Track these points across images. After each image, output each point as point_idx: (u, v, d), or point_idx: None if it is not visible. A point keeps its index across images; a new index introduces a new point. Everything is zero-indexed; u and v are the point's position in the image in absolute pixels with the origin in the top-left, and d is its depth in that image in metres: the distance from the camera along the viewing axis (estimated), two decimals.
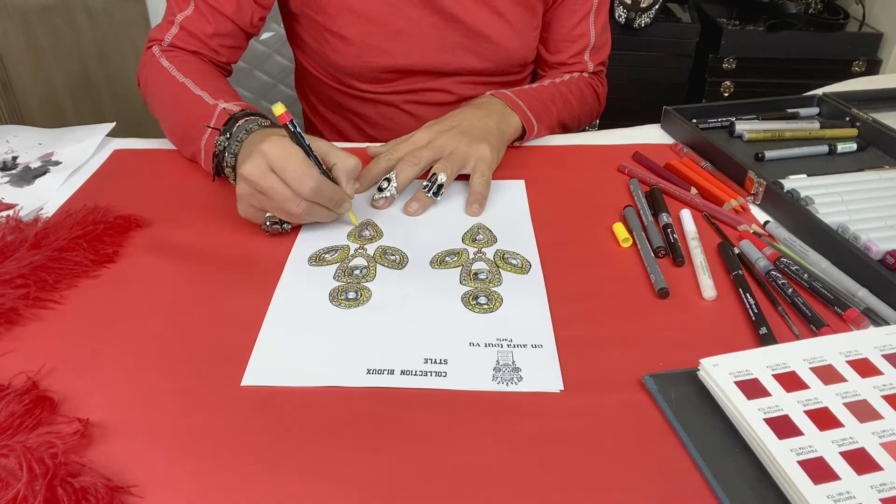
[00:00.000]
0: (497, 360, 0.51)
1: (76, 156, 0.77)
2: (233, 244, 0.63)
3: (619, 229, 0.65)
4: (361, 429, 0.46)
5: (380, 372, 0.50)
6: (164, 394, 0.48)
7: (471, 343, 0.53)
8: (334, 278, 0.59)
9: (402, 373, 0.50)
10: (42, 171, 0.74)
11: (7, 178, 0.73)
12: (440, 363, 0.51)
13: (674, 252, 0.63)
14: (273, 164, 0.58)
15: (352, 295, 0.57)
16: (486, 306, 0.56)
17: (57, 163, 0.76)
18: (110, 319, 0.54)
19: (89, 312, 0.55)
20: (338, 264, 0.61)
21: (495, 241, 0.65)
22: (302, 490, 0.42)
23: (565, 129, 0.90)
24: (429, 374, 0.50)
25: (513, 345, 0.53)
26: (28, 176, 0.73)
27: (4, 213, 0.65)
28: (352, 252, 0.63)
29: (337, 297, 0.57)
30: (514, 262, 0.62)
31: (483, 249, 0.64)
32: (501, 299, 0.57)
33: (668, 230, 0.65)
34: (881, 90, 0.95)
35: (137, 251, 0.62)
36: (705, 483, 0.42)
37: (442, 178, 0.69)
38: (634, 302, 0.58)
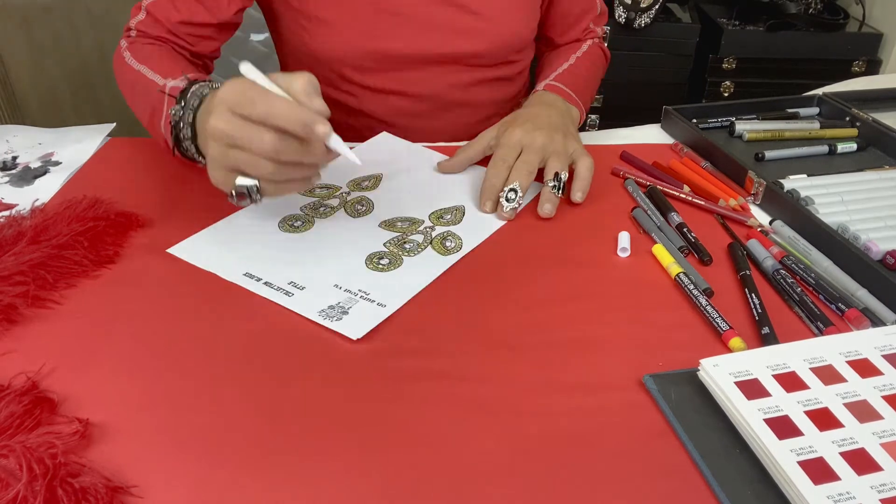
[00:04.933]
0: (338, 302, 0.56)
1: (76, 156, 0.77)
2: None
3: (661, 252, 0.63)
4: (361, 430, 0.46)
5: (255, 278, 0.58)
6: (164, 394, 0.48)
7: (336, 285, 0.58)
8: (300, 209, 0.67)
9: (266, 283, 0.58)
10: (42, 171, 0.74)
11: (7, 178, 0.73)
12: (299, 288, 0.57)
13: (698, 251, 0.63)
14: (233, 106, 0.52)
15: (298, 223, 0.65)
16: (382, 267, 0.61)
17: (57, 163, 0.76)
18: (110, 319, 0.54)
19: (89, 312, 0.55)
20: (317, 199, 0.69)
21: (458, 221, 0.68)
22: (301, 490, 0.42)
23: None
24: (282, 291, 0.57)
25: (365, 297, 0.57)
26: (28, 176, 0.73)
27: (4, 213, 0.65)
28: (340, 191, 0.71)
29: (285, 222, 0.65)
30: (449, 244, 0.65)
31: (434, 227, 0.67)
32: (401, 264, 0.62)
33: (685, 229, 0.66)
34: (881, 90, 0.95)
35: (137, 251, 0.62)
36: (705, 483, 0.42)
37: (564, 175, 0.70)
38: (635, 302, 0.58)
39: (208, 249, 0.61)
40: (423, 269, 0.61)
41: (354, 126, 0.90)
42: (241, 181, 0.55)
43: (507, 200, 0.68)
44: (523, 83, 0.97)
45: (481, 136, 0.76)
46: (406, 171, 0.76)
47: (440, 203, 0.70)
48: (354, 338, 0.52)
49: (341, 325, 0.53)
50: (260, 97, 0.52)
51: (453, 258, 0.62)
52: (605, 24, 0.96)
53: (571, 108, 0.81)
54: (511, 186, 0.68)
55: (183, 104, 0.61)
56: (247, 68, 0.54)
